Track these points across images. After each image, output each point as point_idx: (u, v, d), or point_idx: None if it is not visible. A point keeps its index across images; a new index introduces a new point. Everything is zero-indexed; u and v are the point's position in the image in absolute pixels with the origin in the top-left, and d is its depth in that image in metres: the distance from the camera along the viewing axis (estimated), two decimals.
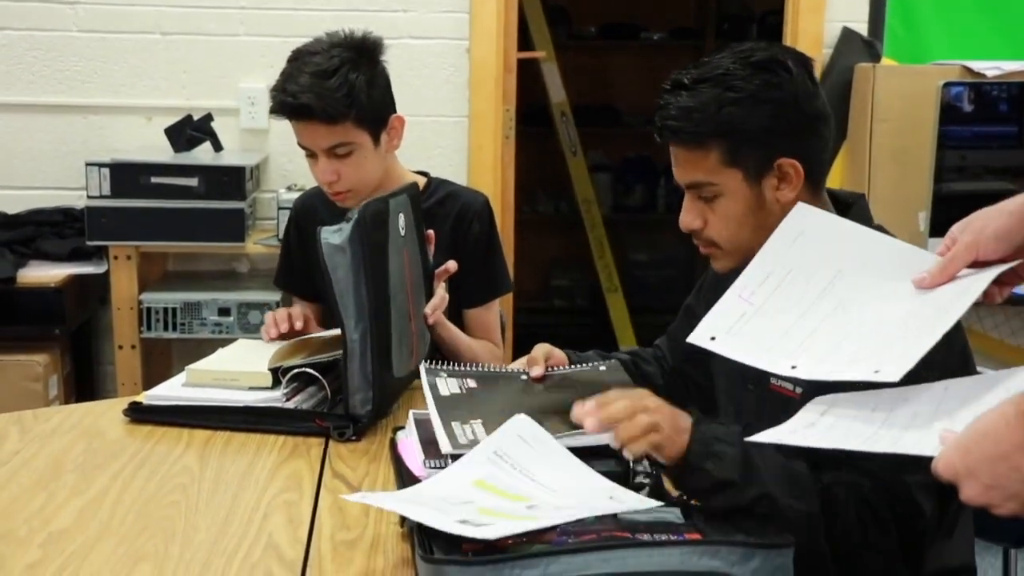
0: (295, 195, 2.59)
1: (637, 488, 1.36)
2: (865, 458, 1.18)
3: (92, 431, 1.77)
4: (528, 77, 4.37)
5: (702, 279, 1.88)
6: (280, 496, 1.52)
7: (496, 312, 2.34)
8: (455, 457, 1.40)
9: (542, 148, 5.17)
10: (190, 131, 3.25)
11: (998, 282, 1.28)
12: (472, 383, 1.64)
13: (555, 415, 1.48)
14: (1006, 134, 3.33)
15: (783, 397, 1.49)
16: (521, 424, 1.42)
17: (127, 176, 3.05)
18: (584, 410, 1.36)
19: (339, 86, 2.02)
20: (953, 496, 1.08)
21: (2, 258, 3.04)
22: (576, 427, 1.41)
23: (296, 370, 1.81)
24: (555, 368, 1.71)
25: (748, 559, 1.14)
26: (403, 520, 1.35)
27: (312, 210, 2.30)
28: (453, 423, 1.50)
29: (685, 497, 1.34)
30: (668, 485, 1.39)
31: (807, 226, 1.42)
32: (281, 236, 2.61)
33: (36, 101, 3.37)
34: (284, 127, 2.18)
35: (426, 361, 1.70)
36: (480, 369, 1.71)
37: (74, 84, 3.37)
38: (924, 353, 1.18)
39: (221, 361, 1.91)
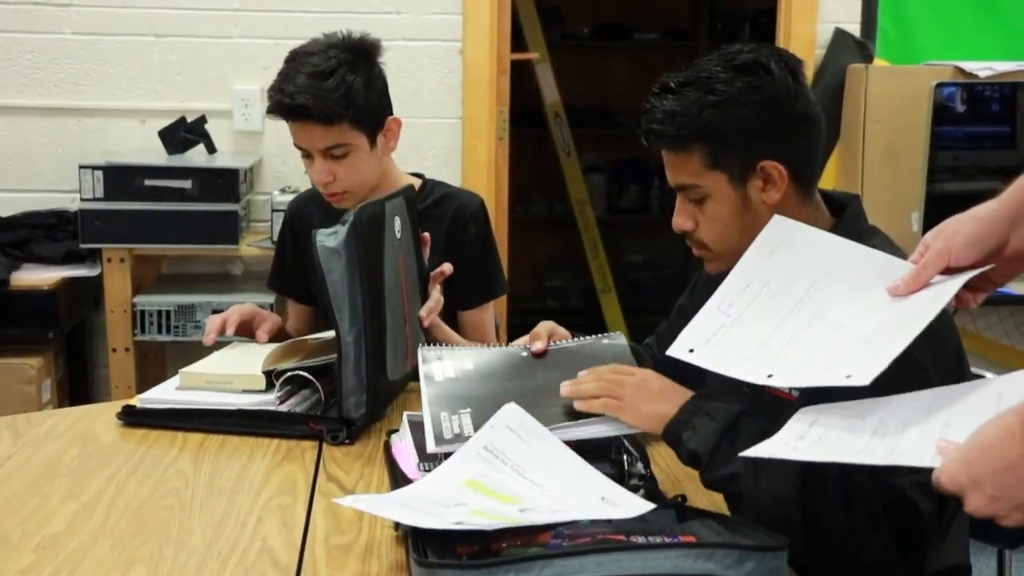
0: (289, 197, 2.59)
1: (632, 491, 1.36)
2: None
3: (86, 435, 1.76)
4: (522, 78, 4.37)
5: (695, 278, 1.89)
6: (274, 500, 1.52)
7: (491, 314, 2.34)
8: (447, 455, 1.40)
9: (536, 149, 5.18)
10: (184, 133, 3.24)
11: (972, 288, 1.28)
12: (469, 364, 1.65)
13: (548, 400, 1.50)
14: (998, 134, 3.33)
15: (778, 400, 1.49)
16: (511, 414, 1.42)
17: (121, 178, 3.05)
18: (570, 383, 1.47)
19: (336, 87, 2.02)
20: (951, 496, 1.08)
21: None
22: (568, 415, 1.45)
23: (290, 373, 1.81)
24: (557, 342, 1.71)
25: (743, 562, 1.14)
26: (397, 524, 1.34)
27: (306, 212, 2.30)
28: (442, 414, 1.51)
29: (679, 499, 1.34)
30: (663, 488, 1.39)
31: (784, 238, 1.44)
32: (275, 238, 2.60)
33: (29, 103, 3.36)
34: (278, 129, 2.18)
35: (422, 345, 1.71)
36: (480, 348, 1.71)
37: (68, 86, 3.37)
38: (894, 357, 1.19)
39: (215, 364, 1.91)
